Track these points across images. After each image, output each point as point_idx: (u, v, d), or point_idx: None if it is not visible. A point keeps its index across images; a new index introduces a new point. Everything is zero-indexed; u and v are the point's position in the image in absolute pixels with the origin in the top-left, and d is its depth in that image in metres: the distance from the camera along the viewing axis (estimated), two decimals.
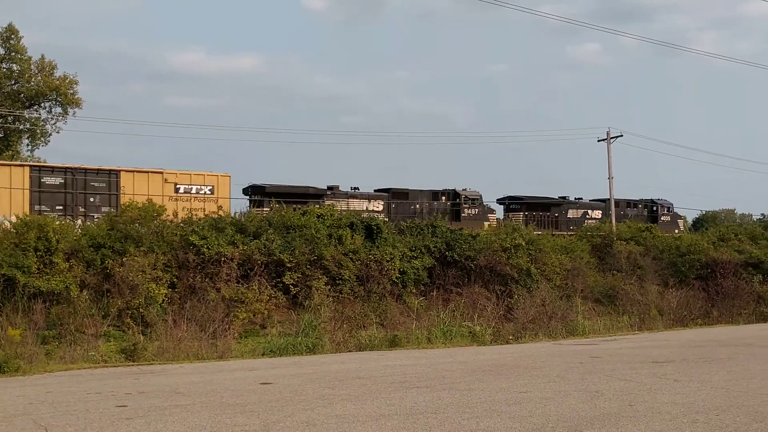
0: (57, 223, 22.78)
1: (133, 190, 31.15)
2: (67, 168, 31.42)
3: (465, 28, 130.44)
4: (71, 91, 45.08)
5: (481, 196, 44.66)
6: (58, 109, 45.71)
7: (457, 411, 10.34)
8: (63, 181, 30.97)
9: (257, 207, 35.12)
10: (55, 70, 45.09)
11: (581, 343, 21.05)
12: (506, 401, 11.07)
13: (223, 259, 23.36)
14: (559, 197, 48.91)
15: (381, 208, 40.29)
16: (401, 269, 26.36)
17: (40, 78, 44.54)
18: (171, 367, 16.25)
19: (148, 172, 32.78)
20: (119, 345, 19.24)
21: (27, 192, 29.35)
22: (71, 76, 45.26)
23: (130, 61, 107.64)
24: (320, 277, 24.63)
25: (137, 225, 23.83)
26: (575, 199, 49.62)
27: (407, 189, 42.37)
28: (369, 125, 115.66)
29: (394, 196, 41.55)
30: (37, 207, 29.57)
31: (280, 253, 24.30)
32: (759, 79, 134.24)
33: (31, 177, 30.09)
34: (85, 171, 31.67)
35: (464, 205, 43.51)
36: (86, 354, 18.15)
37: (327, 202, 37.02)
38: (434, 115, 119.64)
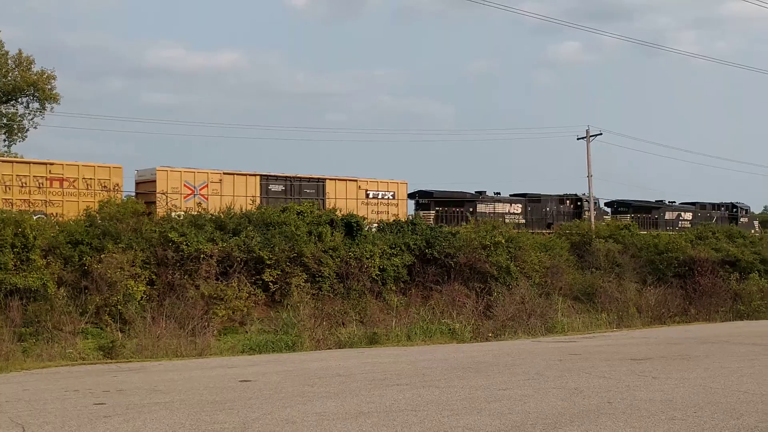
0: (34, 219, 22.60)
1: (335, 195, 35.76)
2: (287, 177, 35.42)
3: (446, 26, 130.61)
4: (49, 87, 44.62)
5: (598, 200, 48.12)
6: (36, 105, 45.26)
7: (437, 408, 10.34)
8: (284, 188, 35.05)
9: (424, 210, 40.02)
10: (32, 65, 44.62)
11: (560, 341, 21.13)
12: (486, 398, 11.09)
13: (202, 256, 23.27)
14: (656, 201, 52.91)
15: (519, 210, 44.15)
16: (381, 266, 26.37)
17: (17, 73, 44.04)
18: (150, 364, 16.17)
19: (345, 180, 36.87)
20: (97, 342, 19.13)
21: (258, 198, 33.02)
22: (49, 72, 44.84)
23: (107, 57, 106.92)
24: (300, 274, 24.60)
25: (115, 222, 23.68)
26: (668, 202, 53.28)
27: (540, 194, 46.02)
28: (351, 122, 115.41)
29: (529, 200, 45.20)
30: None
31: (259, 250, 24.24)
32: (737, 79, 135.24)
33: (261, 185, 34.07)
34: (300, 179, 35.69)
35: (584, 208, 46.78)
36: (64, 351, 18.02)
37: (479, 206, 42.30)
38: (415, 112, 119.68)
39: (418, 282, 27.48)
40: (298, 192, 35.10)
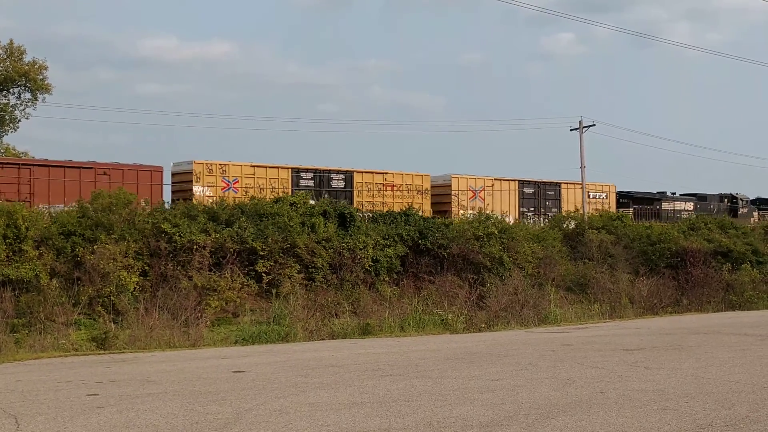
0: (26, 210, 22.53)
1: (567, 198, 43.82)
2: (537, 182, 43.62)
3: (438, 17, 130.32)
4: (41, 77, 44.47)
5: (749, 198, 56.77)
6: (28, 95, 45.10)
7: (430, 399, 10.37)
8: (534, 191, 43.23)
9: (624, 208, 47.12)
10: (24, 55, 44.45)
11: (553, 331, 21.18)
12: (479, 389, 11.12)
13: (195, 246, 23.24)
14: None
15: (692, 208, 51.26)
16: (374, 257, 26.38)
17: (8, 63, 43.88)
18: (143, 355, 16.16)
19: (575, 184, 43.85)
20: (90, 333, 19.10)
21: (517, 197, 41.94)
22: (41, 62, 44.67)
23: (99, 47, 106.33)
24: (293, 265, 24.59)
25: (108, 213, 23.62)
26: None
27: (706, 194, 53.43)
28: (343, 113, 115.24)
29: (698, 198, 52.67)
30: (522, 209, 42.10)
31: (252, 241, 24.22)
32: (730, 70, 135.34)
33: (518, 187, 42.54)
34: (545, 184, 43.90)
35: (739, 206, 54.55)
36: (56, 342, 18.00)
37: (663, 204, 50.08)
38: (407, 103, 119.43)
39: (411, 273, 27.48)
40: (543, 194, 43.50)
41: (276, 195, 32.10)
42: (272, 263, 24.44)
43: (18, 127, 45.70)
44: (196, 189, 32.60)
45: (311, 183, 35.64)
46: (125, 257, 22.05)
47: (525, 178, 42.43)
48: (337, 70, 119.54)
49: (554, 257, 30.82)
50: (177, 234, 23.25)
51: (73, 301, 20.96)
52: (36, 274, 20.78)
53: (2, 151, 42.42)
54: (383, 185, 37.43)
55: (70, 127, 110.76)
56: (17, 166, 29.22)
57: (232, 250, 23.91)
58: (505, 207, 40.11)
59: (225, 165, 33.59)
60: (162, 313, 20.17)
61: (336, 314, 23.22)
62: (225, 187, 33.10)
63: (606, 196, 45.82)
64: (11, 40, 44.34)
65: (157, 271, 22.78)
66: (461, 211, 35.51)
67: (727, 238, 36.45)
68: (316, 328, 21.13)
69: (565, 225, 35.88)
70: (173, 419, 9.18)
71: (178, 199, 31.37)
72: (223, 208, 26.07)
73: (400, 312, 23.54)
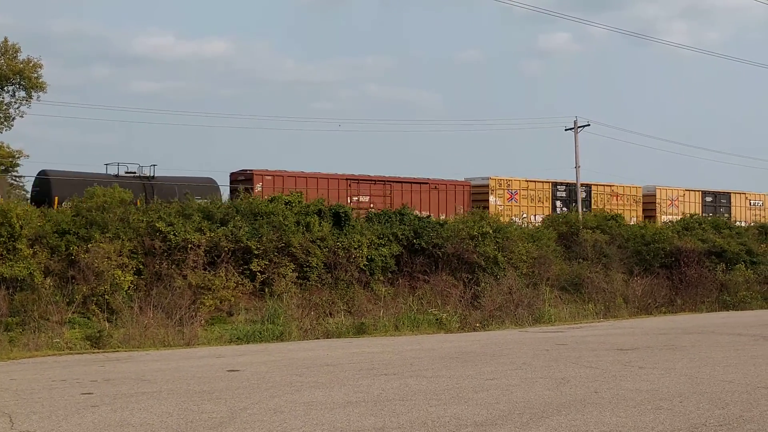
0: (20, 209, 22.47)
1: (736, 204, 49.93)
2: (714, 192, 49.75)
3: (436, 14, 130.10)
4: (35, 75, 44.32)
5: None
6: (22, 93, 44.95)
7: (425, 398, 10.39)
8: (712, 199, 49.72)
9: None
10: (18, 54, 44.30)
11: (547, 331, 21.21)
12: (473, 388, 11.14)
13: (189, 245, 23.22)
14: None
15: None
16: (369, 257, 26.38)
17: (3, 61, 43.74)
18: (137, 354, 16.15)
19: (739, 193, 50.99)
20: (84, 332, 19.06)
21: (700, 205, 48.07)
22: (35, 60, 44.52)
23: (95, 44, 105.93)
24: (288, 264, 24.58)
25: (102, 211, 23.57)
26: None
27: None
28: (338, 111, 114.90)
29: None
30: (703, 215, 45.75)
31: (247, 240, 24.21)
32: (727, 69, 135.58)
33: (701, 197, 49.08)
34: (720, 193, 50.17)
35: None
36: (51, 341, 17.96)
37: None
38: (402, 101, 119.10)
39: (406, 272, 27.48)
40: (718, 202, 49.54)
41: (542, 204, 41.32)
42: (267, 262, 24.42)
43: (12, 126, 45.57)
44: (491, 200, 39.82)
45: (564, 194, 42.88)
46: (120, 256, 22.02)
47: (706, 189, 49.11)
48: (334, 67, 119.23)
49: (549, 257, 30.83)
50: (171, 233, 23.23)
51: (67, 300, 20.91)
52: (30, 273, 20.74)
53: None
54: (611, 195, 44.94)
55: (66, 125, 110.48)
56: (383, 183, 37.35)
57: (226, 249, 23.89)
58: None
59: (510, 180, 40.80)
60: (156, 312, 20.14)
61: (331, 313, 23.20)
62: (509, 198, 40.08)
63: (762, 203, 52.21)
64: (6, 38, 44.21)
65: (151, 270, 22.75)
66: (663, 217, 44.40)
67: (721, 238, 36.51)
68: (311, 327, 21.12)
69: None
70: (168, 418, 9.18)
71: (474, 208, 36.89)
72: (218, 206, 26.03)
73: (395, 311, 23.53)
